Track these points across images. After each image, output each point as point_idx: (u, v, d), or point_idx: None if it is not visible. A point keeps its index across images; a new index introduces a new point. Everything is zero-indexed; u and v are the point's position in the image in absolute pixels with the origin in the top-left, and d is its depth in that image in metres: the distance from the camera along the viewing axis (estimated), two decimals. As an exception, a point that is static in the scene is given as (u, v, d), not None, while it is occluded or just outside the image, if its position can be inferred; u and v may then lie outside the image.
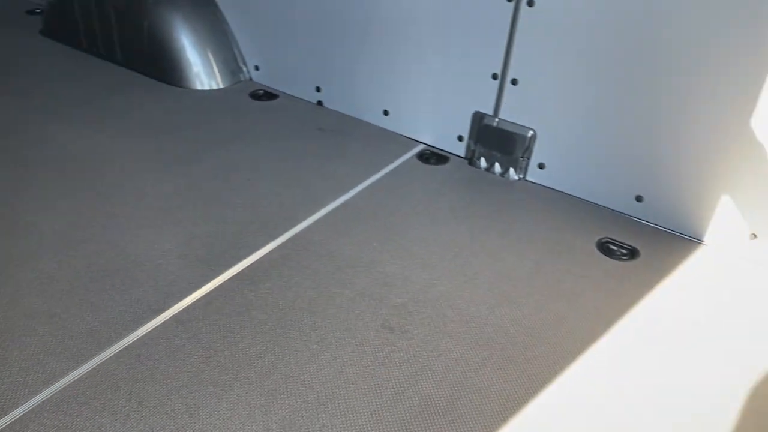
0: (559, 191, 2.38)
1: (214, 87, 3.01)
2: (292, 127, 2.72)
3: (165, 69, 3.01)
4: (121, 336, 1.63)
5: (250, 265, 1.92)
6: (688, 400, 1.56)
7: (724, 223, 2.09)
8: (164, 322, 1.68)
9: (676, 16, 1.94)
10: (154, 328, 1.66)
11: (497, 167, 2.47)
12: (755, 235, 2.05)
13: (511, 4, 2.21)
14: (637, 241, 2.13)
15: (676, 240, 2.16)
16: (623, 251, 2.09)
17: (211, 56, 3.02)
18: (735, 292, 1.93)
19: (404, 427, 1.44)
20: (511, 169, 2.44)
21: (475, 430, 1.45)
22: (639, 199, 2.22)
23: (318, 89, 2.89)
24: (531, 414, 1.50)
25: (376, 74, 2.67)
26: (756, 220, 2.04)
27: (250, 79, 3.10)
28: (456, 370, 1.60)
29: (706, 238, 2.14)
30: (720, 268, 2.04)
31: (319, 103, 2.91)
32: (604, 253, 2.08)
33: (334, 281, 1.87)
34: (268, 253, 1.97)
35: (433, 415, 1.48)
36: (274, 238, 2.04)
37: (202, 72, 3.00)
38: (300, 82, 2.93)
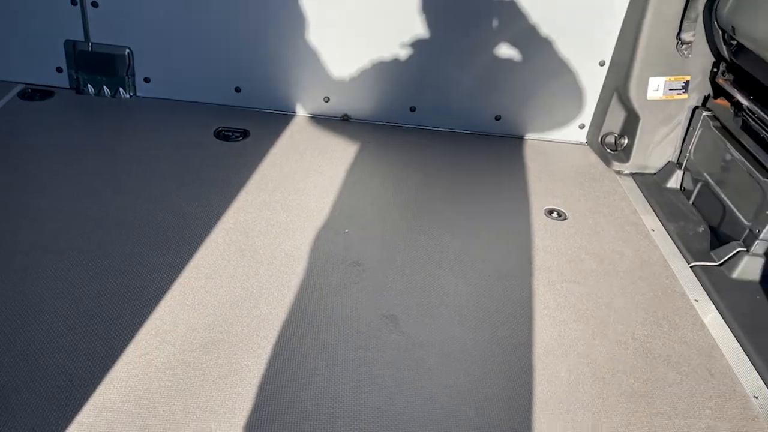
0: (170, 99, 2.63)
1: None
2: None
3: None
4: None
5: None
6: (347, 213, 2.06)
7: (305, 95, 2.63)
8: None
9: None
10: None
11: (106, 90, 2.58)
12: (328, 99, 2.64)
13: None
14: (246, 124, 2.54)
15: (277, 116, 2.64)
16: (237, 134, 2.48)
17: None
18: (320, 140, 2.51)
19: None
20: (120, 89, 2.59)
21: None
22: (238, 90, 2.62)
23: None
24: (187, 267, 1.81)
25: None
26: (326, 89, 2.62)
27: None
28: (130, 259, 1.81)
29: (297, 110, 2.67)
30: (308, 126, 2.59)
31: None
32: (221, 140, 2.44)
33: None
34: None
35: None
36: None
37: None
38: None
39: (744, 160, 2.13)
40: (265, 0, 2.42)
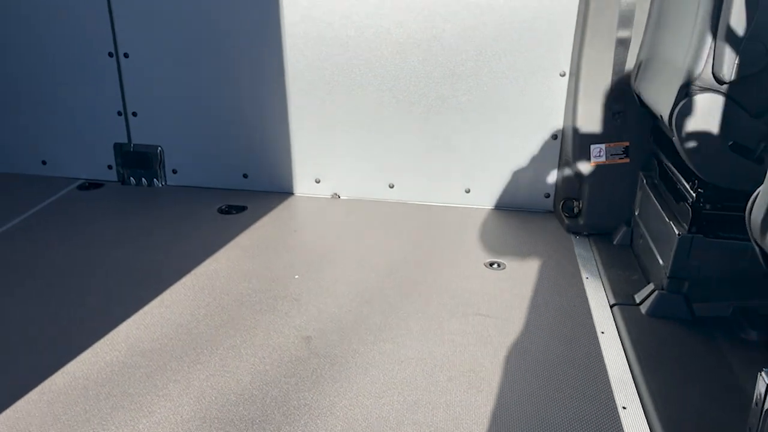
0: (190, 186, 3.21)
1: None
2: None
3: None
4: None
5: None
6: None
7: (302, 178, 3.12)
8: None
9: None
10: None
11: (143, 181, 3.21)
12: (319, 180, 3.11)
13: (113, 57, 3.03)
14: (247, 202, 3.05)
15: (277, 195, 3.13)
16: (235, 210, 2.98)
17: None
18: (314, 213, 2.94)
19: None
20: (154, 179, 3.21)
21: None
22: (246, 176, 3.16)
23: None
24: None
25: (18, 128, 3.23)
26: (317, 171, 3.09)
27: None
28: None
29: (295, 190, 3.15)
30: (305, 203, 3.05)
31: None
32: (223, 214, 2.94)
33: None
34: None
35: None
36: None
37: None
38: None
39: (662, 212, 2.28)
40: (262, 105, 3.00)
